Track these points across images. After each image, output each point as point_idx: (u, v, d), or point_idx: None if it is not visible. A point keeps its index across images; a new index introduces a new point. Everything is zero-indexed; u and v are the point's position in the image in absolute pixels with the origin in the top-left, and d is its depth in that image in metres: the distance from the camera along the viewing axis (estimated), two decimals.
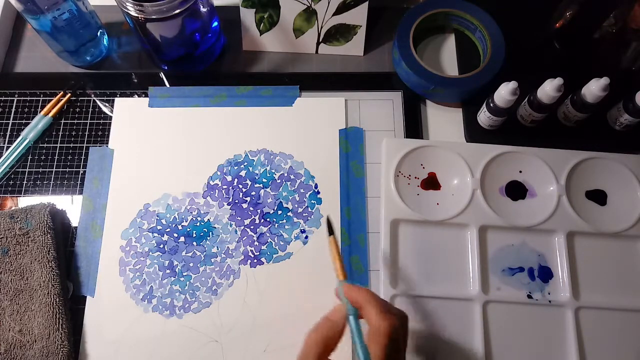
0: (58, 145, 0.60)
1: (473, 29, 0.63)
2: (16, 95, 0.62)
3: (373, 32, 0.65)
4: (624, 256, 0.54)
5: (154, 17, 0.52)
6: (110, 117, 0.61)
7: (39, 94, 0.62)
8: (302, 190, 0.57)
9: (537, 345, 0.51)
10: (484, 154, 0.57)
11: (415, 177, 0.57)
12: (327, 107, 0.61)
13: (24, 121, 0.60)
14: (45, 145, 0.60)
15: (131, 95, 0.62)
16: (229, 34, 0.65)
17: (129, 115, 0.61)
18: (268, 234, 0.55)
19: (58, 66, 0.64)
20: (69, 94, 0.61)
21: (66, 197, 0.57)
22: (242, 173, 0.58)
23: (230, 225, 0.55)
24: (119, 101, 0.61)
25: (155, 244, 0.54)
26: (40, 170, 0.58)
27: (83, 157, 0.59)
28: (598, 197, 0.57)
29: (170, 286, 0.53)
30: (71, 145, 0.60)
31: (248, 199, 0.56)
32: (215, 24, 0.61)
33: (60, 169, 0.58)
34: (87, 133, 0.60)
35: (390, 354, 0.37)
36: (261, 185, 0.57)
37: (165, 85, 0.63)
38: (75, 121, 0.61)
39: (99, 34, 0.62)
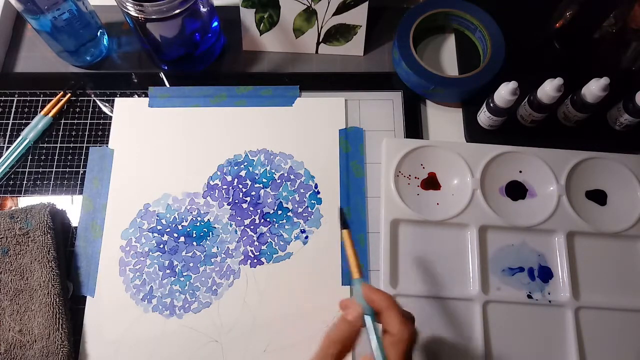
0: (58, 145, 0.60)
1: (473, 29, 0.63)
2: (16, 95, 0.62)
3: (373, 32, 0.66)
4: (624, 256, 0.54)
5: (154, 17, 0.52)
6: (110, 117, 0.61)
7: (39, 94, 0.62)
8: (302, 190, 0.57)
9: (537, 345, 0.51)
10: (484, 154, 0.57)
11: (415, 177, 0.57)
12: (327, 107, 0.61)
13: (24, 121, 0.60)
14: (45, 145, 0.60)
15: (131, 95, 0.62)
16: (229, 34, 0.65)
17: (129, 115, 0.61)
18: (268, 234, 0.55)
19: (58, 66, 0.64)
20: (69, 94, 0.61)
21: (66, 197, 0.57)
22: (242, 173, 0.58)
23: (230, 225, 0.55)
24: (119, 101, 0.61)
25: (155, 244, 0.54)
26: (40, 170, 0.58)
27: (83, 157, 0.59)
28: (598, 197, 0.57)
29: (170, 286, 0.53)
30: (71, 145, 0.60)
31: (248, 199, 0.56)
32: (215, 24, 0.61)
33: (60, 169, 0.58)
34: (87, 133, 0.60)
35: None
36: (261, 185, 0.57)
37: (165, 85, 0.63)
38: (75, 121, 0.61)
39: (99, 34, 0.62)
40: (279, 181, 0.57)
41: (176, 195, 0.57)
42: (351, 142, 0.59)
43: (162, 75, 0.64)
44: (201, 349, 0.50)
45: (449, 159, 0.57)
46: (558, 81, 0.52)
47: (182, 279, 0.53)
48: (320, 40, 0.64)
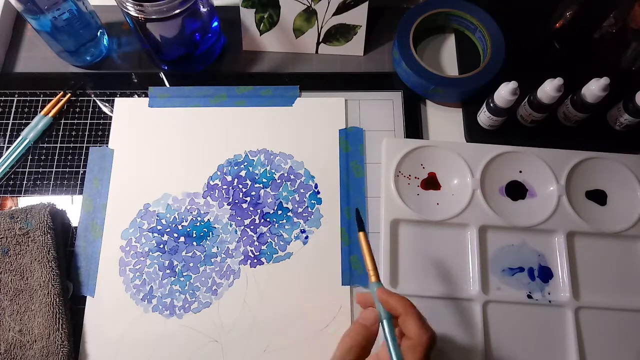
0: (58, 145, 0.60)
1: (473, 29, 0.63)
2: (16, 95, 0.62)
3: (373, 32, 0.66)
4: (624, 256, 0.54)
5: (154, 17, 0.52)
6: (110, 117, 0.61)
7: (39, 94, 0.62)
8: (302, 190, 0.57)
9: (537, 345, 0.51)
10: (484, 154, 0.57)
11: (415, 177, 0.57)
12: (327, 107, 0.61)
13: (24, 121, 0.60)
14: (45, 145, 0.60)
15: (131, 95, 0.62)
16: (229, 34, 0.65)
17: (129, 115, 0.61)
18: (268, 234, 0.55)
19: (58, 66, 0.64)
20: (69, 94, 0.62)
21: (66, 197, 0.57)
22: (242, 173, 0.58)
23: (230, 225, 0.55)
24: (119, 101, 0.61)
25: (155, 244, 0.54)
26: (40, 170, 0.58)
27: (83, 157, 0.59)
28: (598, 197, 0.57)
29: (170, 286, 0.53)
30: (71, 145, 0.60)
31: (248, 199, 0.56)
32: (215, 24, 0.61)
33: (60, 169, 0.58)
34: (87, 133, 0.60)
35: None
36: (261, 185, 0.57)
37: (165, 85, 0.63)
38: (75, 121, 0.61)
39: (99, 34, 0.62)
40: (279, 181, 0.57)
41: (176, 195, 0.57)
42: (351, 142, 0.59)
43: (162, 75, 0.64)
44: (201, 349, 0.50)
45: (449, 159, 0.57)
46: (558, 81, 0.52)
47: (182, 279, 0.53)
48: (320, 40, 0.64)
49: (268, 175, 0.57)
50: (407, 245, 0.54)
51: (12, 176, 0.58)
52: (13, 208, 0.55)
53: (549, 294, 0.52)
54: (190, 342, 0.51)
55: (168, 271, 0.53)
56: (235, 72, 0.64)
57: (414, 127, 0.60)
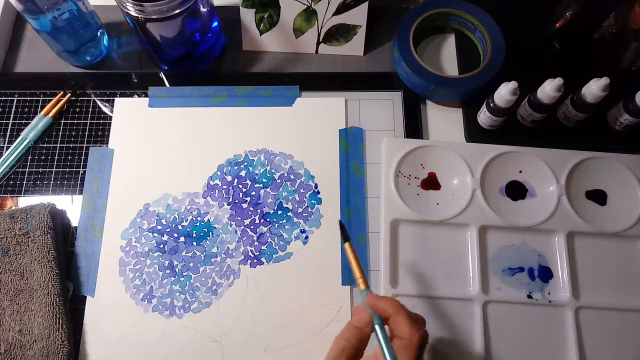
0: (58, 145, 0.60)
1: (473, 29, 0.63)
2: (16, 95, 0.62)
3: (373, 32, 0.65)
4: (624, 256, 0.54)
5: (154, 17, 0.52)
6: (110, 117, 0.61)
7: (39, 94, 0.62)
8: (302, 190, 0.57)
9: (537, 345, 0.51)
10: (484, 154, 0.57)
11: (415, 177, 0.57)
12: (327, 107, 0.61)
13: (24, 121, 0.60)
14: (45, 145, 0.60)
15: (131, 95, 0.62)
16: (229, 34, 0.65)
17: (129, 115, 0.61)
18: (268, 234, 0.55)
19: (58, 66, 0.64)
20: (69, 94, 0.62)
21: (66, 197, 0.57)
22: (242, 173, 0.58)
23: (230, 225, 0.55)
24: (119, 101, 0.61)
25: (155, 244, 0.54)
26: (40, 170, 0.58)
27: (83, 157, 0.59)
28: (598, 197, 0.57)
29: (170, 286, 0.53)
30: (71, 145, 0.60)
31: (248, 199, 0.56)
32: (215, 24, 0.61)
33: (60, 169, 0.58)
34: (87, 133, 0.60)
35: None
36: (261, 185, 0.57)
37: (165, 85, 0.63)
38: (75, 121, 0.61)
39: (99, 34, 0.62)
40: (279, 181, 0.57)
41: (176, 195, 0.57)
42: (351, 142, 0.59)
43: (162, 75, 0.64)
44: (201, 349, 0.50)
45: (449, 159, 0.57)
46: (558, 81, 0.52)
47: (182, 279, 0.53)
48: (320, 40, 0.64)
49: (268, 175, 0.57)
50: (407, 245, 0.54)
51: (12, 176, 0.58)
52: (13, 208, 0.55)
53: (549, 294, 0.52)
54: (190, 342, 0.51)
55: (168, 271, 0.53)
56: (235, 72, 0.64)
57: (414, 127, 0.60)
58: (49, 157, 0.59)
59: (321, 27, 0.63)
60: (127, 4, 0.51)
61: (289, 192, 0.57)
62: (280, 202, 0.56)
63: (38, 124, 0.59)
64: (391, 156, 0.57)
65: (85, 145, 0.59)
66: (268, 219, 0.56)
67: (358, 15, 0.61)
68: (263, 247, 0.54)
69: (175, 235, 0.55)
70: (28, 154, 0.59)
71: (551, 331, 0.51)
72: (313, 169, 0.58)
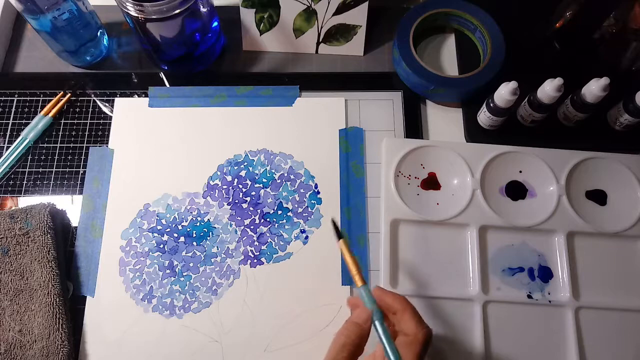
0: (58, 145, 0.60)
1: (473, 29, 0.63)
2: (16, 95, 0.62)
3: (373, 32, 0.65)
4: (624, 256, 0.54)
5: (154, 17, 0.52)
6: (110, 117, 0.61)
7: (39, 94, 0.62)
8: (302, 190, 0.57)
9: (537, 345, 0.51)
10: (484, 154, 0.57)
11: (415, 177, 0.57)
12: (327, 107, 0.61)
13: (24, 121, 0.60)
14: (45, 145, 0.60)
15: (131, 95, 0.62)
16: (229, 34, 0.65)
17: (129, 115, 0.61)
18: (268, 234, 0.55)
19: (58, 66, 0.64)
20: (69, 94, 0.62)
21: (66, 197, 0.57)
22: (242, 173, 0.58)
23: (230, 225, 0.55)
24: (119, 101, 0.61)
25: (155, 244, 0.54)
26: (40, 170, 0.58)
27: (83, 157, 0.59)
28: (598, 197, 0.57)
29: (170, 286, 0.53)
30: (71, 145, 0.60)
31: (248, 199, 0.56)
32: (215, 24, 0.61)
33: (60, 169, 0.58)
34: (87, 133, 0.60)
35: None
36: (261, 185, 0.57)
37: (165, 85, 0.63)
38: (75, 121, 0.61)
39: (99, 34, 0.62)
40: (279, 181, 0.57)
41: (176, 195, 0.57)
42: (351, 142, 0.59)
43: (162, 75, 0.64)
44: (201, 349, 0.50)
45: (449, 159, 0.57)
46: (558, 81, 0.52)
47: (182, 279, 0.53)
48: (320, 40, 0.64)
49: (268, 175, 0.57)
50: (407, 245, 0.54)
51: (12, 176, 0.58)
52: (13, 208, 0.55)
53: (549, 294, 0.52)
54: (190, 342, 0.51)
55: (168, 271, 0.53)
56: (235, 72, 0.64)
57: (414, 127, 0.60)
58: (49, 157, 0.59)
59: (321, 27, 0.63)
60: (127, 4, 0.51)
61: (289, 192, 0.57)
62: (280, 202, 0.56)
63: (38, 124, 0.59)
64: (391, 156, 0.57)
65: (85, 145, 0.59)
66: (268, 219, 0.56)
67: (358, 15, 0.61)
68: (263, 247, 0.54)
69: (175, 235, 0.55)
70: (28, 154, 0.59)
71: (551, 331, 0.51)
72: (313, 169, 0.58)
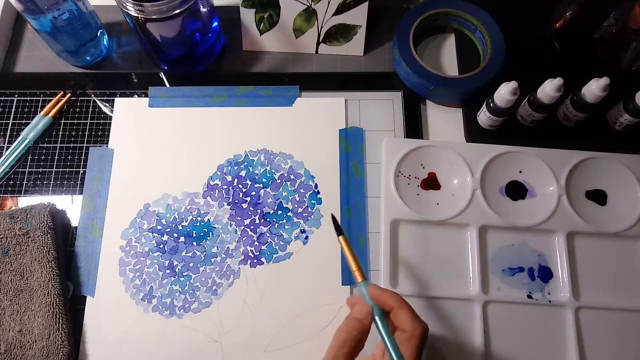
0: (58, 145, 0.60)
1: (473, 29, 0.63)
2: (16, 95, 0.62)
3: (373, 32, 0.65)
4: (624, 256, 0.54)
5: (154, 17, 0.52)
6: (110, 117, 0.61)
7: (39, 94, 0.62)
8: (302, 190, 0.57)
9: (537, 345, 0.51)
10: (484, 154, 0.57)
11: (415, 177, 0.57)
12: (327, 107, 0.61)
13: (24, 121, 0.60)
14: (45, 145, 0.60)
15: (131, 95, 0.62)
16: (229, 34, 0.65)
17: (129, 115, 0.61)
18: (268, 234, 0.55)
19: (58, 66, 0.64)
20: (69, 94, 0.62)
21: (66, 197, 0.57)
22: (242, 173, 0.58)
23: (230, 225, 0.55)
24: (119, 101, 0.61)
25: (155, 244, 0.54)
26: (40, 170, 0.58)
27: (83, 157, 0.59)
28: (598, 197, 0.57)
29: (170, 286, 0.53)
30: (71, 145, 0.60)
31: (248, 199, 0.56)
32: (215, 24, 0.61)
33: (60, 169, 0.58)
34: (87, 133, 0.60)
35: (420, 355, 0.38)
36: (261, 185, 0.57)
37: (165, 85, 0.63)
38: (75, 121, 0.61)
39: (99, 34, 0.62)
40: (279, 181, 0.57)
41: (176, 195, 0.57)
42: (351, 142, 0.59)
43: (162, 75, 0.64)
44: (201, 349, 0.50)
45: (449, 159, 0.57)
46: (558, 81, 0.52)
47: (182, 279, 0.53)
48: (320, 40, 0.64)
49: (268, 175, 0.57)
50: (407, 245, 0.54)
51: (12, 176, 0.58)
52: (13, 208, 0.55)
53: (549, 294, 0.52)
54: (190, 342, 0.51)
55: (168, 271, 0.53)
56: (235, 72, 0.64)
57: (414, 127, 0.60)
58: (49, 157, 0.59)
59: (321, 27, 0.63)
60: (127, 4, 0.51)
61: (289, 192, 0.57)
62: (280, 202, 0.56)
63: (38, 124, 0.59)
64: (391, 156, 0.57)
65: (85, 145, 0.59)
66: (268, 219, 0.56)
67: (358, 15, 0.61)
68: (263, 247, 0.54)
69: (175, 235, 0.55)
70: (28, 154, 0.59)
71: (551, 331, 0.51)
72: (313, 169, 0.58)
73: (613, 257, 0.54)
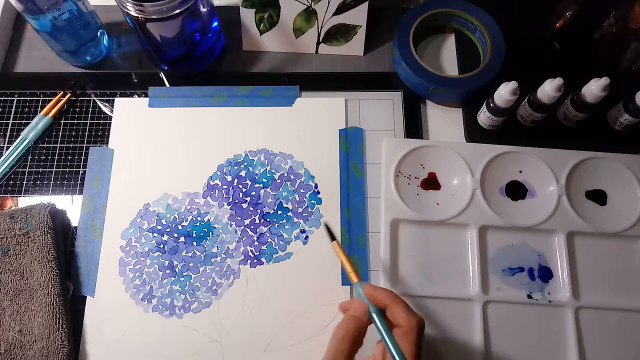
0: (58, 145, 0.60)
1: (473, 29, 0.63)
2: (16, 95, 0.62)
3: (373, 32, 0.65)
4: (624, 256, 0.54)
5: (154, 17, 0.52)
6: (110, 117, 0.61)
7: (39, 94, 0.62)
8: (302, 190, 0.57)
9: (537, 345, 0.51)
10: (484, 154, 0.57)
11: (415, 177, 0.57)
12: (327, 107, 0.61)
13: (24, 121, 0.60)
14: (45, 145, 0.60)
15: (131, 95, 0.62)
16: (229, 34, 0.65)
17: (129, 115, 0.61)
18: (268, 234, 0.55)
19: (58, 66, 0.64)
20: (69, 94, 0.62)
21: (66, 197, 0.57)
22: (242, 173, 0.58)
23: (230, 225, 0.55)
24: (119, 101, 0.61)
25: (155, 244, 0.54)
26: (40, 170, 0.58)
27: (83, 157, 0.59)
28: (598, 197, 0.57)
29: (170, 286, 0.53)
30: (71, 145, 0.60)
31: (248, 199, 0.56)
32: (215, 24, 0.61)
33: (60, 169, 0.58)
34: (87, 133, 0.60)
35: (420, 349, 0.39)
36: (261, 185, 0.57)
37: (165, 85, 0.63)
38: (75, 121, 0.61)
39: (99, 34, 0.62)
40: (279, 181, 0.57)
41: (176, 195, 0.57)
42: (351, 142, 0.59)
43: (162, 75, 0.64)
44: (201, 349, 0.50)
45: (449, 159, 0.57)
46: (558, 81, 0.52)
47: (182, 279, 0.53)
48: (320, 40, 0.64)
49: (268, 175, 0.57)
50: (407, 245, 0.54)
51: (12, 176, 0.58)
52: (13, 208, 0.55)
53: (549, 294, 0.52)
54: (190, 342, 0.51)
55: (168, 271, 0.53)
56: (235, 72, 0.64)
57: (414, 127, 0.60)
58: (49, 157, 0.59)
59: (321, 27, 0.63)
60: (127, 4, 0.51)
61: (289, 192, 0.57)
62: (280, 202, 0.56)
63: (38, 124, 0.59)
64: (391, 156, 0.57)
65: (85, 145, 0.59)
66: (268, 219, 0.56)
67: (358, 15, 0.61)
68: (263, 247, 0.54)
69: (175, 235, 0.55)
70: (28, 154, 0.59)
71: (551, 331, 0.51)
72: (313, 169, 0.58)
73: (613, 257, 0.54)
